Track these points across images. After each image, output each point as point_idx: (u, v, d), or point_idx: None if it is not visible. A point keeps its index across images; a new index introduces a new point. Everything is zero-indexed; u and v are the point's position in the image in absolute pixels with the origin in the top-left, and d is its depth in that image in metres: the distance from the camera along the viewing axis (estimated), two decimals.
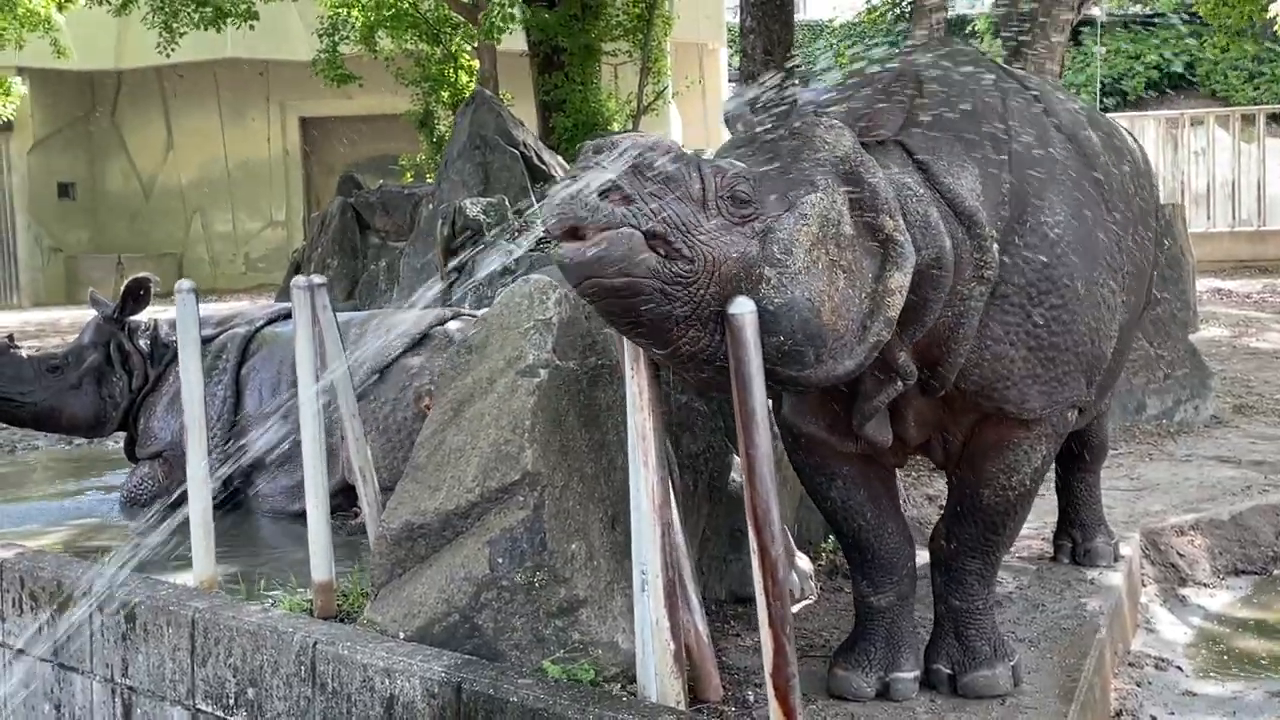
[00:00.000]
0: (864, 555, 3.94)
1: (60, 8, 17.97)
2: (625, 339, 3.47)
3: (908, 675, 3.86)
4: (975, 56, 4.11)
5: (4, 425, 7.39)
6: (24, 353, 6.44)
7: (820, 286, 3.26)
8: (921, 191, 3.50)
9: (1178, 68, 27.14)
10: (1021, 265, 3.63)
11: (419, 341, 5.90)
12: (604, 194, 3.04)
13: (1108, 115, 5.26)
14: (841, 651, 3.94)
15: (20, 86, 19.64)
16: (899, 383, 3.59)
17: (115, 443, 7.15)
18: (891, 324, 3.37)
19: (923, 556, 4.10)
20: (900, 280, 3.36)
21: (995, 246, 3.56)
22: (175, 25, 16.13)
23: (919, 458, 4.46)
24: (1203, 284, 15.22)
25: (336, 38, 17.16)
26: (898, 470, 4.33)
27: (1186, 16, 26.58)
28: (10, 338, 6.56)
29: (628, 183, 3.07)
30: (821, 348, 3.27)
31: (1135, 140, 4.96)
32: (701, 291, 3.16)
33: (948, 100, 3.76)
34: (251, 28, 16.43)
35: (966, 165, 3.61)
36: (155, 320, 6.55)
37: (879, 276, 3.37)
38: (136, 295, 6.43)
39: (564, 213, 3.07)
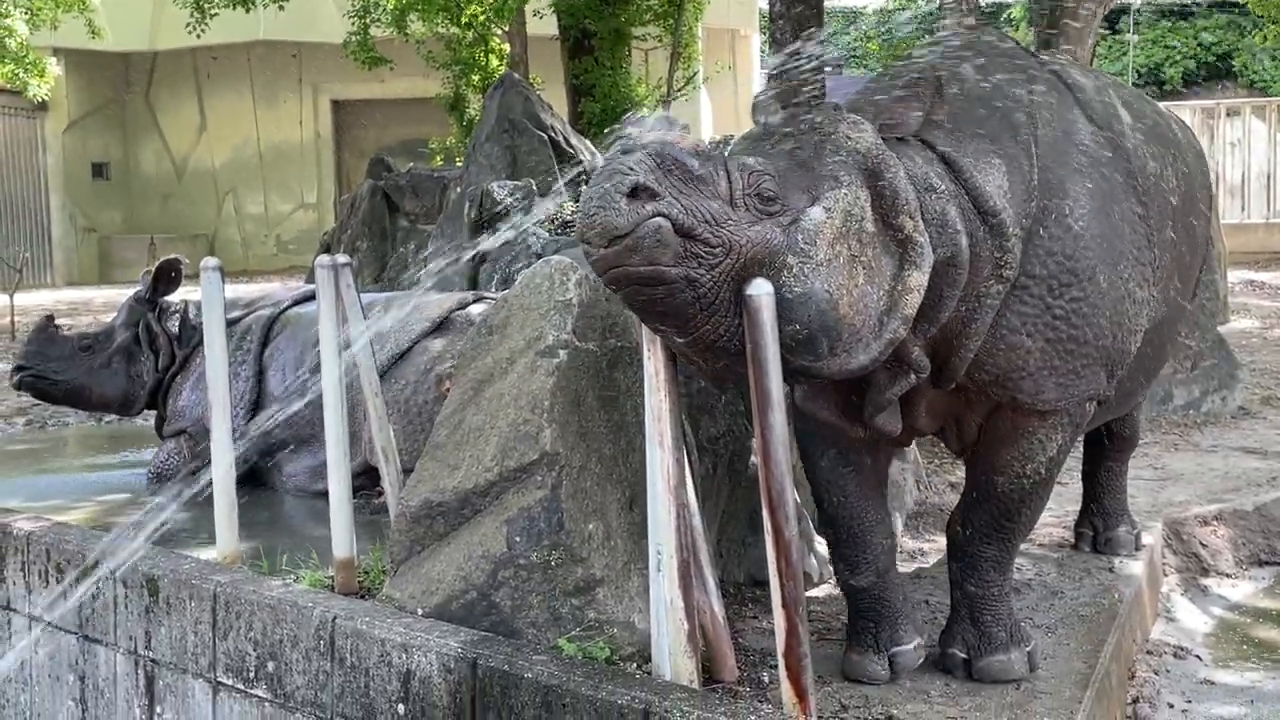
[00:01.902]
0: (839, 533, 3.94)
1: None
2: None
3: (908, 646, 3.87)
4: (1004, 46, 4.07)
5: (36, 401, 7.50)
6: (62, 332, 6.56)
7: (840, 280, 3.27)
8: (942, 188, 3.49)
9: (1215, 57, 26.88)
10: (1043, 256, 3.62)
11: (441, 324, 5.91)
12: (633, 194, 3.06)
13: None
14: (850, 636, 3.95)
15: (55, 67, 19.80)
16: (912, 376, 3.59)
17: (145, 420, 7.23)
18: (908, 322, 3.38)
19: (942, 542, 4.11)
20: (918, 279, 3.37)
21: (1018, 246, 3.54)
22: (207, 6, 16.22)
23: (941, 446, 4.46)
24: (1235, 275, 15.13)
25: (368, 20, 17.22)
26: (920, 460, 4.35)
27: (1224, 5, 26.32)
28: (49, 317, 6.65)
29: (655, 181, 3.09)
30: (836, 340, 3.28)
31: (1189, 131, 4.87)
32: (726, 277, 3.17)
33: (973, 92, 3.74)
34: (281, 8, 16.49)
35: (993, 161, 3.59)
36: (185, 302, 6.61)
37: (897, 275, 3.38)
38: (168, 276, 6.50)
39: (597, 223, 3.07)
